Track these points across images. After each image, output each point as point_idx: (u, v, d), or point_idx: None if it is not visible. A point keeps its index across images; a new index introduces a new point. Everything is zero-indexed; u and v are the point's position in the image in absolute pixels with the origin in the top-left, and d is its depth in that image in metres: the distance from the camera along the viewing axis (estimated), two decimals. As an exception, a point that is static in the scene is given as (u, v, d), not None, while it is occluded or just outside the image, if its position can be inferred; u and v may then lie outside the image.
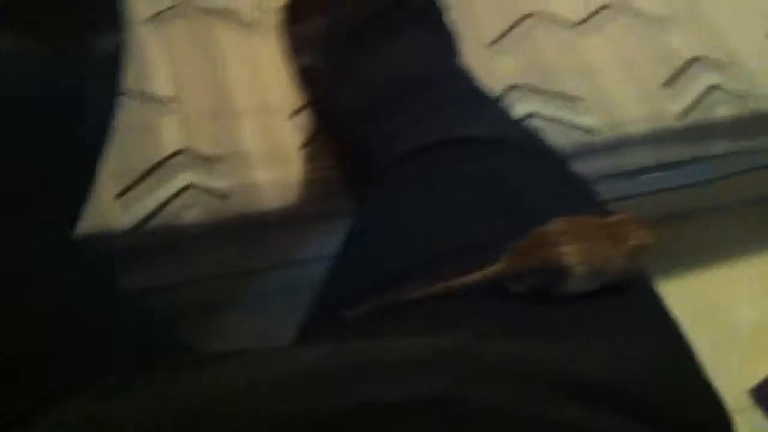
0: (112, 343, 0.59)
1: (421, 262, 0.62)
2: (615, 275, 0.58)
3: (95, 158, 0.83)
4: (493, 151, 0.72)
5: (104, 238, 0.86)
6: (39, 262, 0.61)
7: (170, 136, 0.92)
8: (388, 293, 0.58)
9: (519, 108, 1.03)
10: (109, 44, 0.88)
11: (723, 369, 1.40)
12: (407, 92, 0.80)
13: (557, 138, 1.01)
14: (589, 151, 1.06)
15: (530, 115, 1.03)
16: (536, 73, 1.08)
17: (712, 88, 1.11)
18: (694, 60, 1.13)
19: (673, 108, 1.09)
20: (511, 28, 1.11)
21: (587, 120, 1.05)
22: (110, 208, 0.87)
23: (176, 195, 0.89)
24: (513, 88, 1.05)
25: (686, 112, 1.10)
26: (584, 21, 1.14)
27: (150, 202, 0.88)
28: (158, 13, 0.98)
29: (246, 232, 0.99)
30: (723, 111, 1.12)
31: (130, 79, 0.92)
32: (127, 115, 0.90)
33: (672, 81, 1.11)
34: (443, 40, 0.92)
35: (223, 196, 0.91)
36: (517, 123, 0.89)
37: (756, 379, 1.38)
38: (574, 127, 1.04)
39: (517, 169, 0.71)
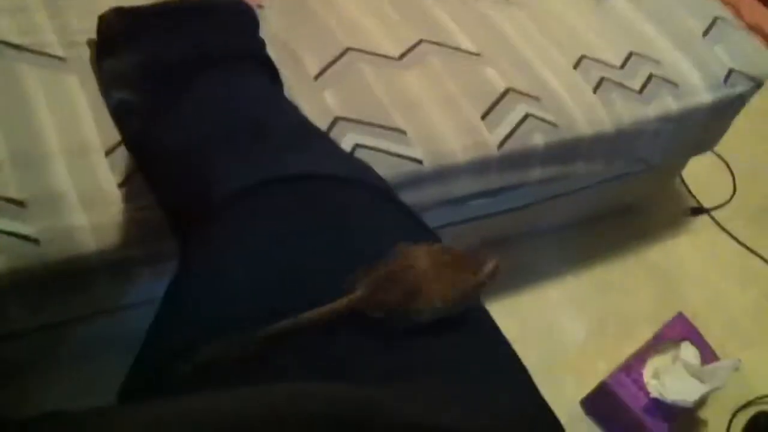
0: None
1: (260, 305, 0.60)
2: (467, 304, 0.59)
3: None
4: (322, 187, 0.71)
5: None
6: None
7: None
8: (233, 336, 0.55)
9: (347, 140, 1.04)
10: None
11: (556, 383, 1.48)
12: (233, 130, 0.77)
13: (385, 168, 1.02)
14: (416, 180, 1.08)
15: (358, 146, 1.04)
16: (362, 106, 1.09)
17: (526, 117, 1.17)
18: (509, 90, 1.18)
19: (491, 138, 1.14)
20: (334, 61, 1.12)
21: (412, 151, 1.07)
22: None
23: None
24: (340, 119, 1.06)
25: (504, 141, 1.15)
26: (403, 56, 1.17)
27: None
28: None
29: (63, 279, 0.92)
30: (537, 139, 1.18)
31: None
32: None
33: (489, 112, 1.15)
34: (267, 77, 0.90)
35: (34, 241, 0.84)
36: (346, 156, 0.88)
37: (585, 392, 1.45)
38: (400, 157, 1.06)
39: (348, 204, 0.71)
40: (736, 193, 1.94)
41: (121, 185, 0.91)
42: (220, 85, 0.83)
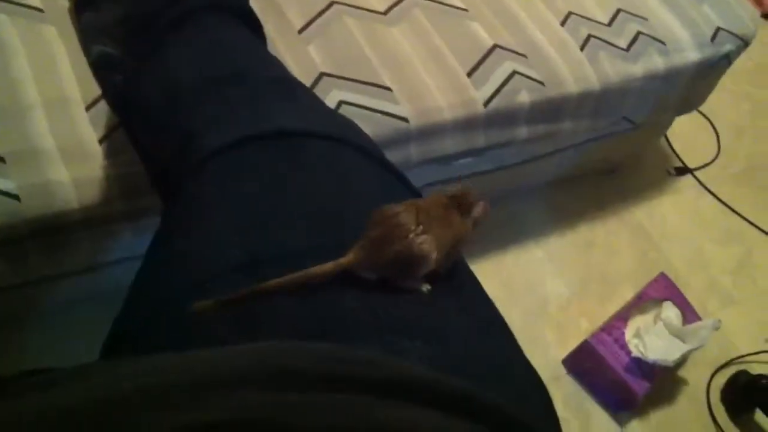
0: None
1: (244, 258, 0.60)
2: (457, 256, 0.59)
3: None
4: (305, 144, 0.70)
5: None
6: None
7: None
8: (218, 291, 0.55)
9: (331, 96, 1.03)
10: None
11: (538, 341, 1.49)
12: (216, 83, 0.76)
13: (370, 126, 1.01)
14: (401, 138, 1.07)
15: (343, 103, 1.03)
16: (347, 62, 1.07)
17: (513, 75, 1.16)
18: (496, 47, 1.17)
19: (477, 96, 1.13)
20: (318, 15, 1.10)
21: (398, 109, 1.06)
22: None
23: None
24: (325, 75, 1.04)
25: (490, 99, 1.14)
26: (389, 10, 1.15)
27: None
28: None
29: (45, 235, 0.91)
30: (524, 97, 1.17)
31: None
32: None
33: (476, 69, 1.14)
34: (250, 30, 0.89)
35: (14, 197, 0.83)
36: (330, 113, 0.87)
37: (567, 351, 1.46)
38: (385, 115, 1.05)
39: (333, 162, 0.70)
40: (720, 153, 1.95)
41: (101, 140, 0.89)
42: (202, 35, 0.81)
